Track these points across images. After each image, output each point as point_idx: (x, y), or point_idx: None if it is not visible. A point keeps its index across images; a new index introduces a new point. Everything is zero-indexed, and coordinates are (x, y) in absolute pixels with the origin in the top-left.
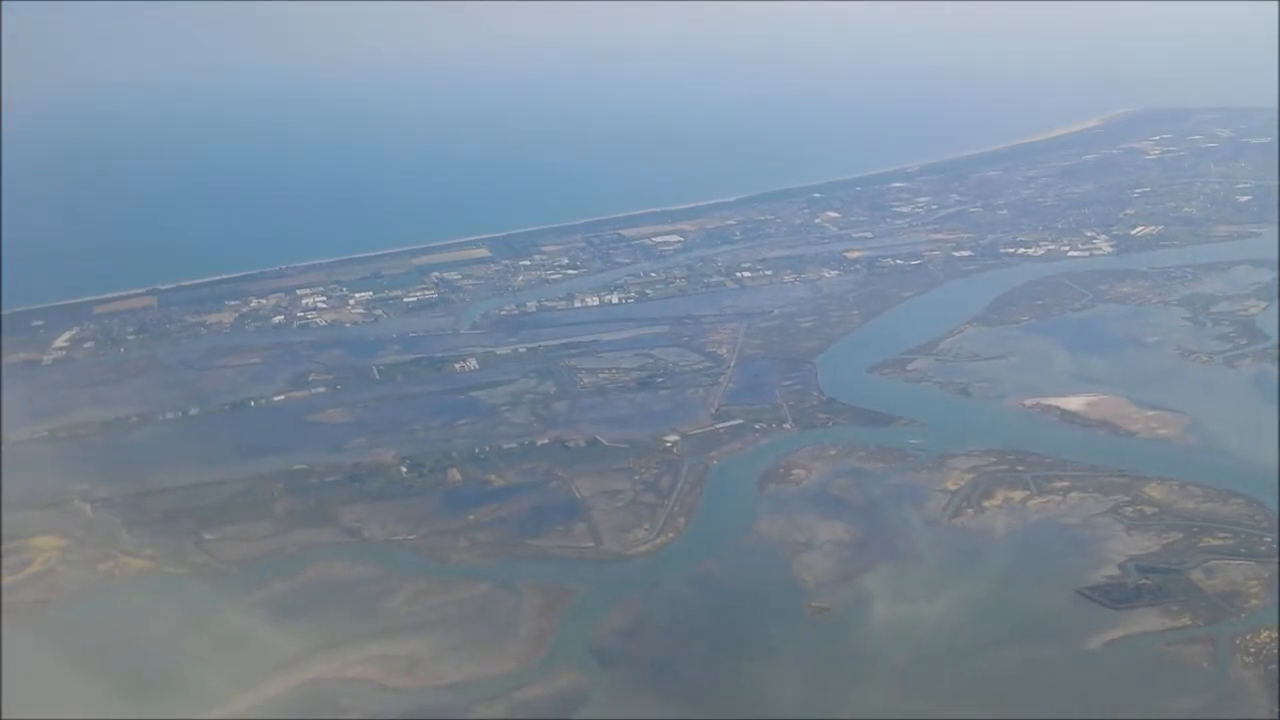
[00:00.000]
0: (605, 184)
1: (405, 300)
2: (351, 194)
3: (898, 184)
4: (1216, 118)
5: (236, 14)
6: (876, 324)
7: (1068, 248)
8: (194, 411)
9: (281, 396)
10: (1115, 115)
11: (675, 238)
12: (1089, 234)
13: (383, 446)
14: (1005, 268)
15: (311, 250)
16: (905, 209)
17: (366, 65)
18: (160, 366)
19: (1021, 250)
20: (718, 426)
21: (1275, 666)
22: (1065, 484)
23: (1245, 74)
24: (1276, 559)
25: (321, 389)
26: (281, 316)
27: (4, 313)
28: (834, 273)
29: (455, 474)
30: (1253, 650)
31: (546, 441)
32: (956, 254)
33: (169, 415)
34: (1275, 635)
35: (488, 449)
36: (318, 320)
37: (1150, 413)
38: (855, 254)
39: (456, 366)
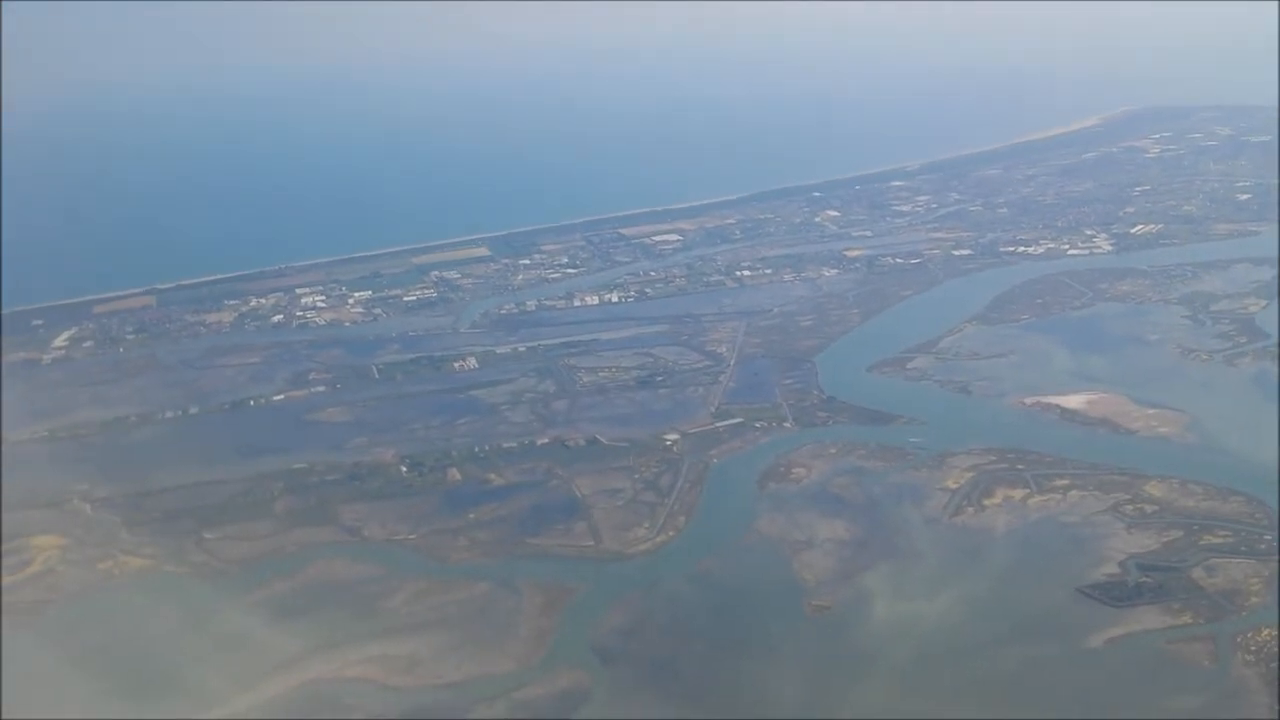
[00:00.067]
0: (604, 183)
1: (405, 299)
2: (351, 193)
3: (897, 183)
4: (1216, 116)
5: (236, 14)
6: (876, 322)
7: (1067, 246)
8: (194, 411)
9: (281, 396)
10: (1114, 114)
11: (675, 237)
12: (1089, 232)
13: (382, 445)
14: (1005, 266)
15: (311, 250)
16: (905, 208)
17: (366, 65)
18: (160, 366)
19: (1021, 249)
20: (718, 425)
21: (1276, 665)
22: (1065, 482)
23: (1244, 73)
24: (1277, 557)
25: (321, 388)
26: (281, 316)
27: (6, 312)
28: (834, 271)
29: (455, 473)
30: (1253, 648)
31: (546, 440)
32: (956, 253)
33: (169, 414)
34: (1276, 633)
35: (487, 448)
36: (317, 319)
37: (1150, 411)
38: (855, 253)
39: (456, 365)
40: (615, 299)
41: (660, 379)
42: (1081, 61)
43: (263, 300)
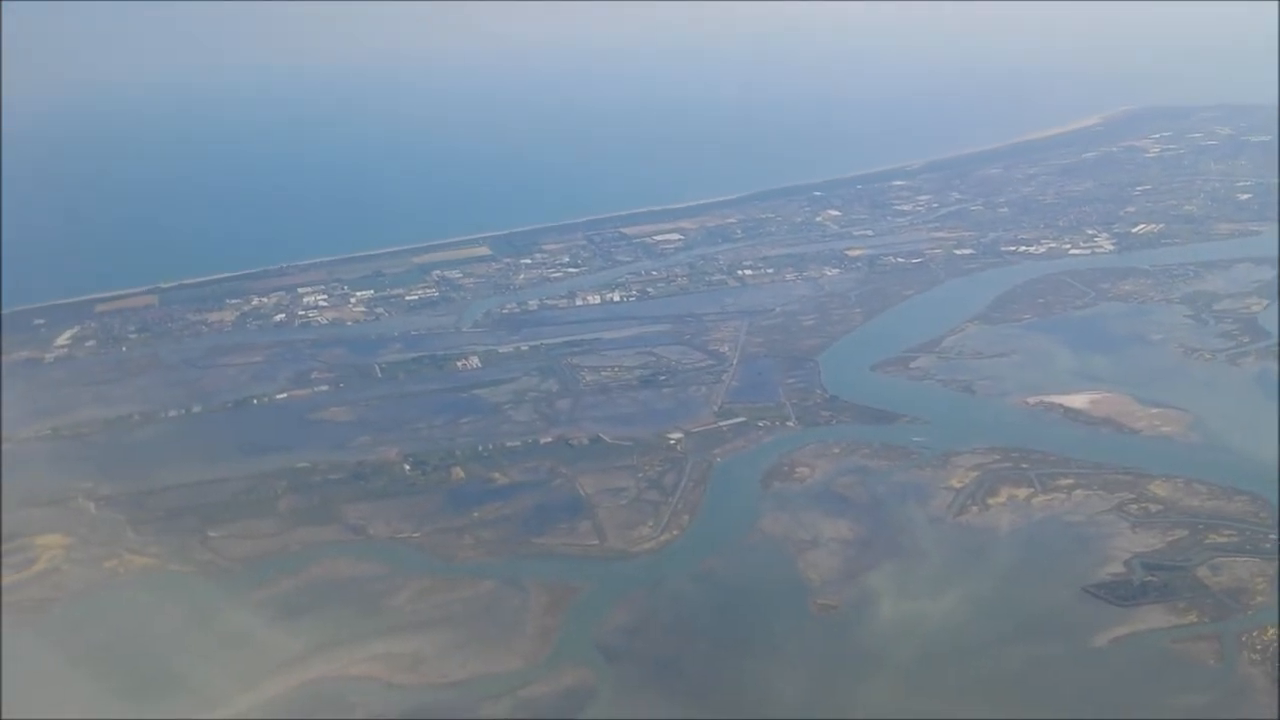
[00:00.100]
0: (605, 183)
1: (407, 298)
2: (352, 193)
3: (898, 182)
4: (1216, 115)
5: (236, 14)
6: (878, 322)
7: (1069, 246)
8: (197, 409)
9: (284, 395)
10: (1114, 113)
11: (676, 236)
12: (1090, 232)
13: (386, 444)
14: (1007, 266)
15: (312, 249)
16: (906, 207)
17: (367, 65)
18: (162, 365)
19: (1023, 248)
20: (721, 424)
21: None
22: (1070, 481)
23: (1245, 72)
24: None
25: (324, 387)
26: (283, 315)
27: (8, 311)
28: (835, 271)
29: (459, 472)
30: (1259, 647)
31: (550, 439)
32: (958, 252)
33: (172, 413)
34: None
35: (491, 447)
36: (319, 318)
37: (1154, 410)
38: (856, 252)
39: (459, 364)
40: (617, 298)
41: (663, 378)
42: (1081, 61)
43: (265, 299)
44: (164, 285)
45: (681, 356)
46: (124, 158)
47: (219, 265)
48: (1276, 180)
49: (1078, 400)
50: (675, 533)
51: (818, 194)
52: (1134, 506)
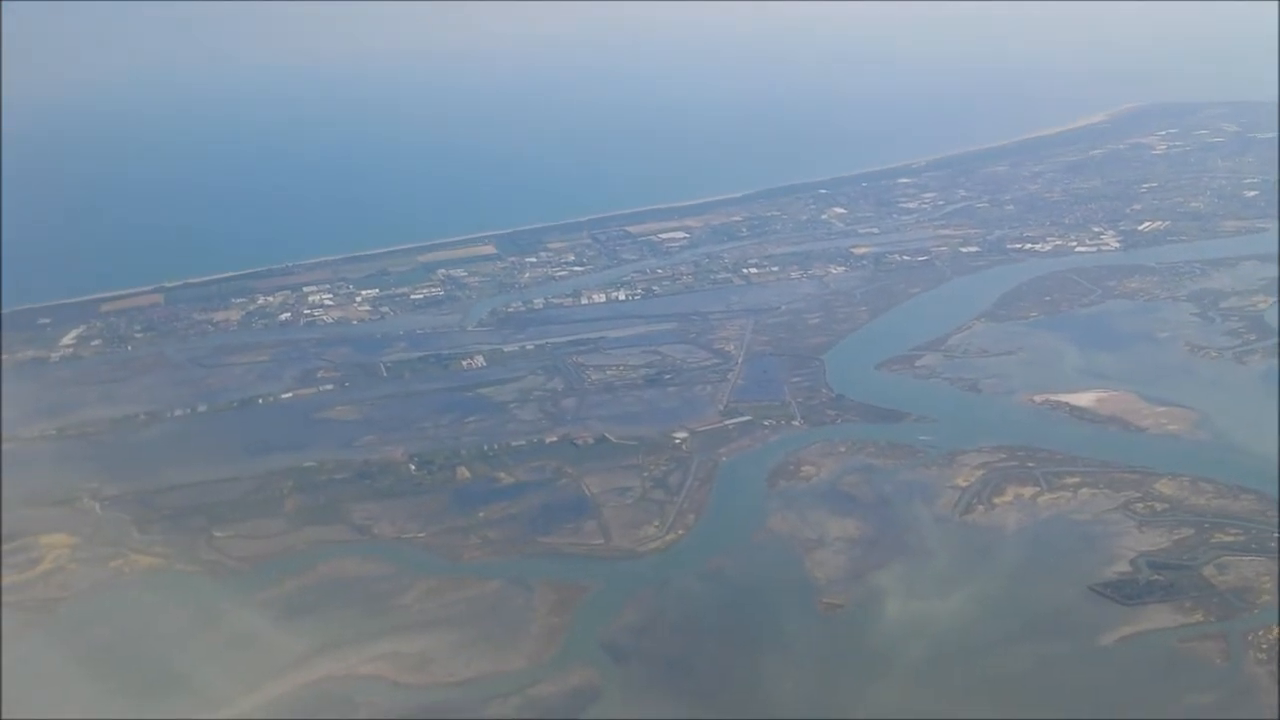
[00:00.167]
0: (610, 181)
1: (412, 297)
2: (356, 192)
3: (904, 180)
4: (1222, 112)
5: (236, 14)
6: (884, 320)
7: (1075, 243)
8: (202, 409)
9: (289, 394)
10: (1119, 110)
11: (681, 234)
12: (1096, 229)
13: (392, 444)
14: (1012, 263)
15: (317, 248)
16: (912, 205)
17: (367, 64)
18: (168, 364)
19: (1029, 246)
20: (726, 423)
21: None
22: (1076, 480)
23: (1251, 69)
24: None
25: (329, 386)
26: (288, 314)
27: (12, 310)
28: (841, 269)
29: (464, 471)
30: (1265, 646)
31: (555, 439)
32: (964, 250)
33: (177, 413)
34: None
35: (496, 446)
36: (325, 317)
37: (1160, 408)
38: (862, 250)
39: (464, 364)
40: (622, 297)
41: (668, 377)
42: (1083, 59)
43: (270, 298)
44: (169, 284)
45: (686, 355)
46: (126, 157)
47: (224, 264)
48: (1277, 178)
49: (1084, 398)
50: (681, 532)
51: (823, 192)
52: (1140, 505)
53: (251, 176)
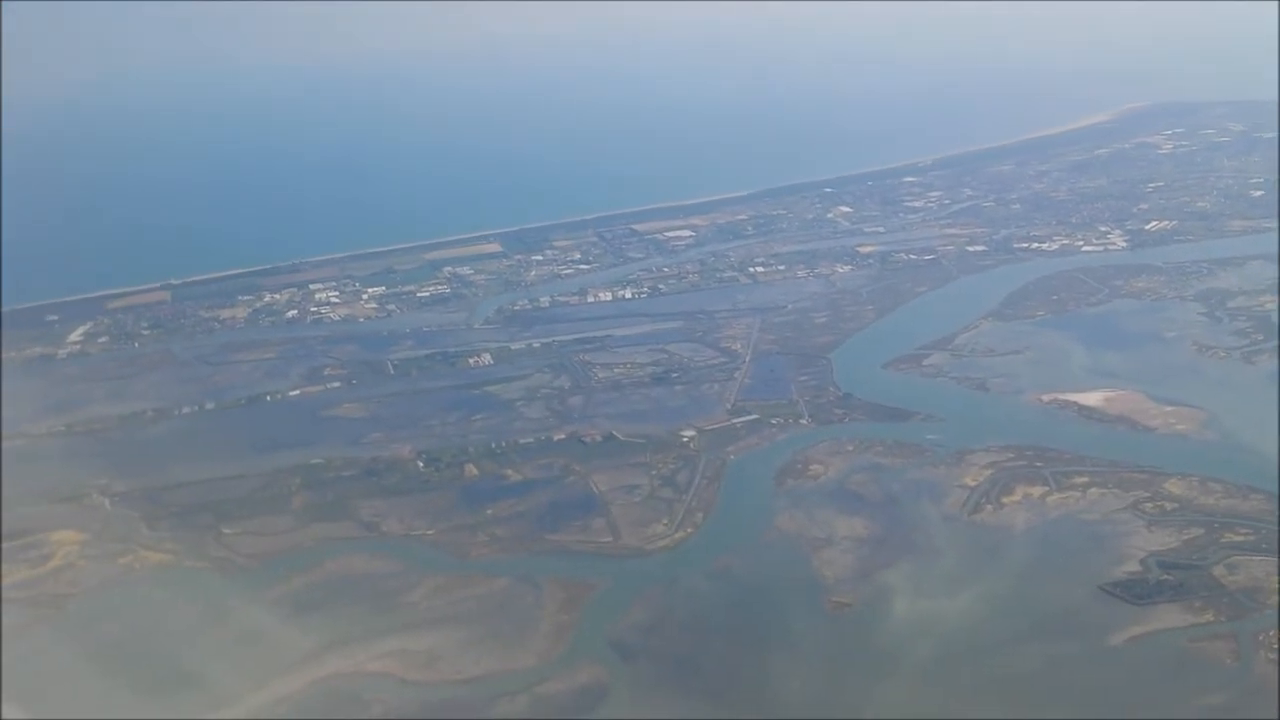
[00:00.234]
0: (615, 179)
1: (418, 295)
2: (361, 190)
3: (910, 179)
4: (1228, 112)
5: (236, 14)
6: (891, 319)
7: (1082, 242)
8: (210, 406)
9: (296, 391)
10: (1124, 110)
11: (687, 232)
12: (1103, 229)
13: (399, 441)
14: (1019, 263)
15: (323, 246)
16: (918, 204)
17: (369, 64)
18: (175, 361)
19: (1035, 245)
20: (734, 422)
21: None
22: (1084, 480)
23: (1252, 69)
24: None
25: (336, 384)
26: (295, 311)
27: (18, 308)
28: (847, 268)
29: (472, 469)
30: (1275, 646)
31: (562, 436)
32: (970, 249)
33: (185, 410)
34: None
35: (504, 444)
36: (331, 315)
37: (1168, 408)
38: (868, 249)
39: (471, 361)
40: (629, 295)
41: (675, 375)
42: (1085, 58)
43: (277, 296)
44: (176, 282)
45: (693, 353)
46: (128, 156)
47: (230, 262)
48: (1277, 178)
49: (1092, 398)
50: (689, 530)
51: (829, 190)
52: (1149, 505)
53: (255, 175)
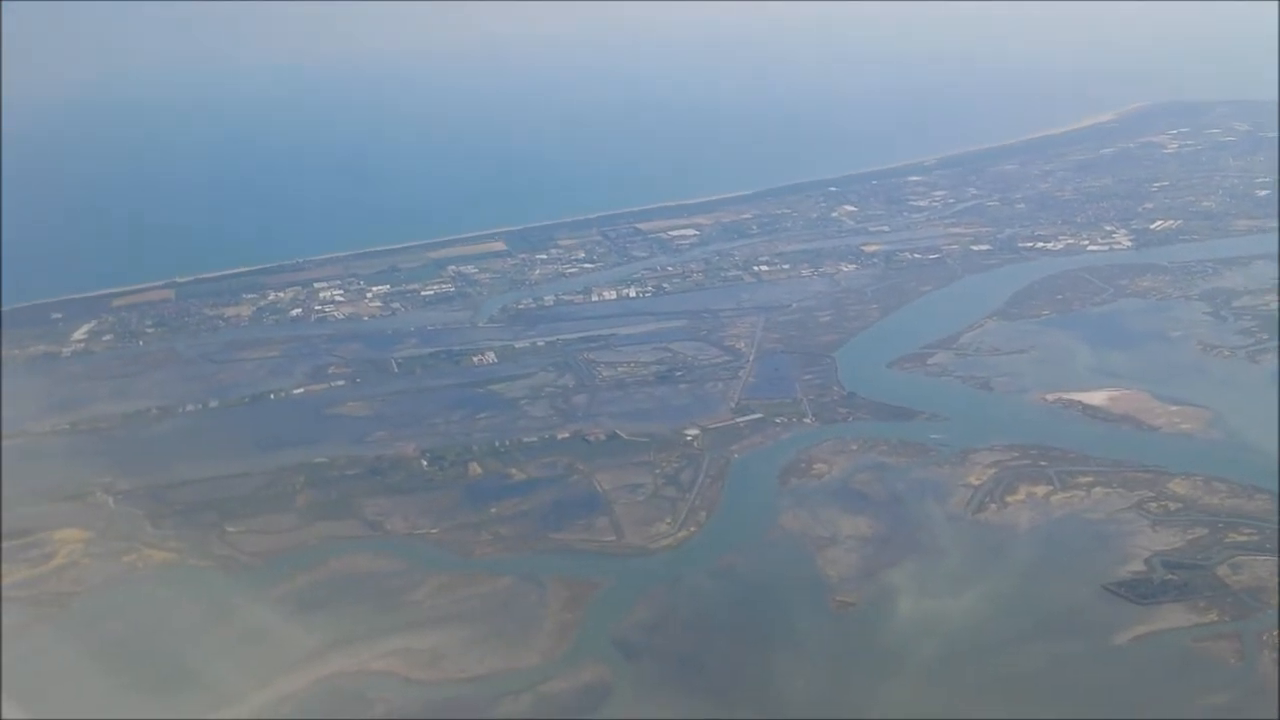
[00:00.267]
0: (618, 178)
1: (422, 294)
2: (365, 189)
3: (914, 178)
4: (1233, 111)
5: (237, 14)
6: (895, 318)
7: (1087, 242)
8: (214, 404)
9: (301, 389)
10: (1128, 109)
11: (691, 231)
12: (1108, 228)
13: (403, 440)
14: (1024, 262)
15: (327, 244)
16: (922, 203)
17: (369, 64)
18: (179, 359)
19: (1040, 244)
20: (738, 420)
21: None
22: (1089, 479)
23: (1253, 69)
24: None
25: (341, 382)
26: (299, 310)
27: (22, 306)
28: (852, 267)
29: (476, 467)
30: (1279, 646)
31: (566, 435)
32: (975, 248)
33: (189, 408)
34: None
35: (508, 442)
36: (335, 313)
37: (1173, 408)
38: (873, 248)
39: (475, 360)
40: (633, 294)
41: (679, 374)
42: (1086, 58)
43: (281, 294)
44: (180, 280)
45: (698, 352)
46: (130, 155)
47: (234, 260)
48: (1277, 178)
49: (1096, 397)
50: (693, 529)
51: (833, 189)
52: (1154, 504)
53: (258, 174)
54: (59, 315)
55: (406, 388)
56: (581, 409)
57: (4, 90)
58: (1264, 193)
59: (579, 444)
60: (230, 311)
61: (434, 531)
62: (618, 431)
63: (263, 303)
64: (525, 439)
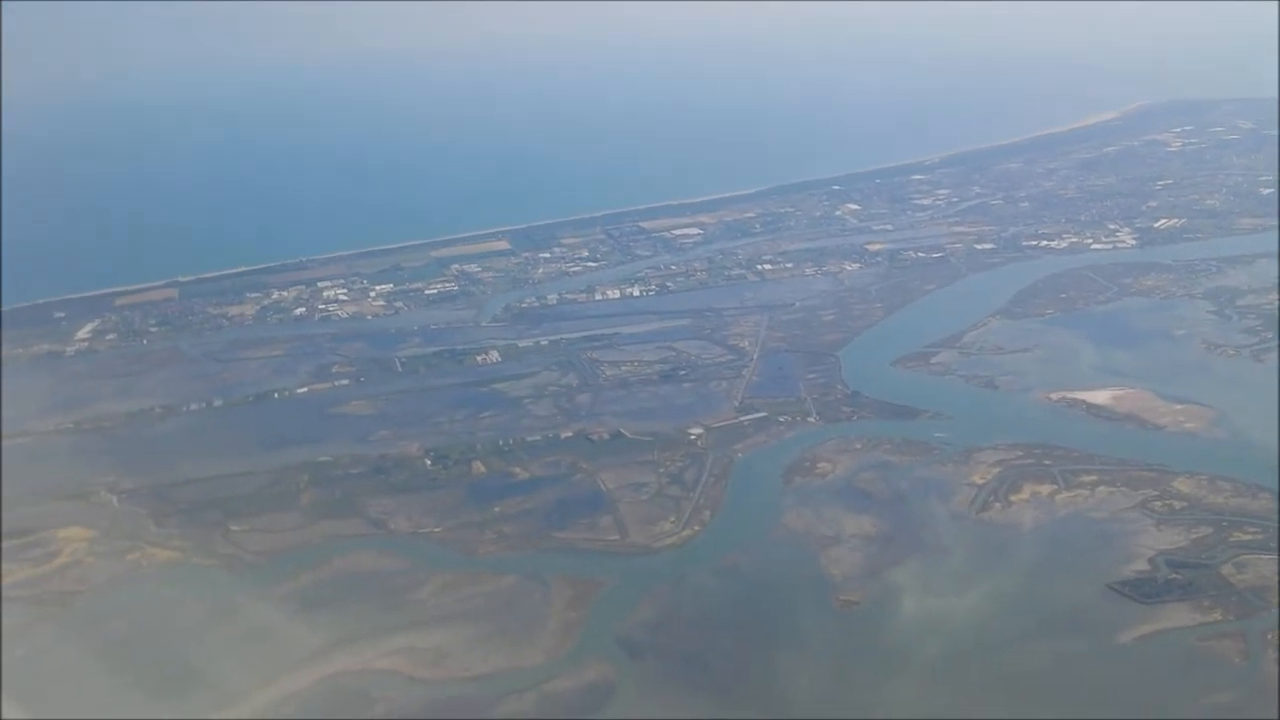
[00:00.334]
0: (621, 177)
1: (426, 293)
2: (367, 188)
3: (917, 176)
4: (1236, 109)
5: (237, 14)
6: (899, 317)
7: (1090, 240)
8: (218, 403)
9: (304, 389)
10: (1131, 108)
11: (694, 230)
12: (1112, 226)
13: (407, 439)
14: (1028, 260)
15: (330, 243)
16: (926, 201)
17: (370, 63)
18: (183, 358)
19: (1044, 243)
20: (741, 419)
21: None
22: (1093, 478)
23: (1253, 69)
24: None
25: (344, 381)
26: (303, 309)
27: (25, 305)
28: (855, 265)
29: (480, 466)
30: None
31: (570, 434)
32: (978, 246)
33: (193, 407)
34: None
35: (512, 441)
36: (339, 312)
37: (1177, 406)
38: (876, 246)
39: (478, 359)
40: (636, 293)
41: (683, 373)
42: (1087, 57)
43: (284, 293)
44: (183, 279)
45: (701, 351)
46: (132, 155)
47: (237, 259)
48: (1277, 178)
49: (1100, 396)
50: (697, 528)
51: (836, 188)
52: (1158, 503)
53: (260, 174)
54: (62, 314)
55: (410, 387)
56: (585, 408)
57: (4, 90)
58: (1268, 191)
59: (583, 443)
60: (234, 310)
61: (438, 530)
62: (621, 430)
63: (266, 302)
64: (529, 438)
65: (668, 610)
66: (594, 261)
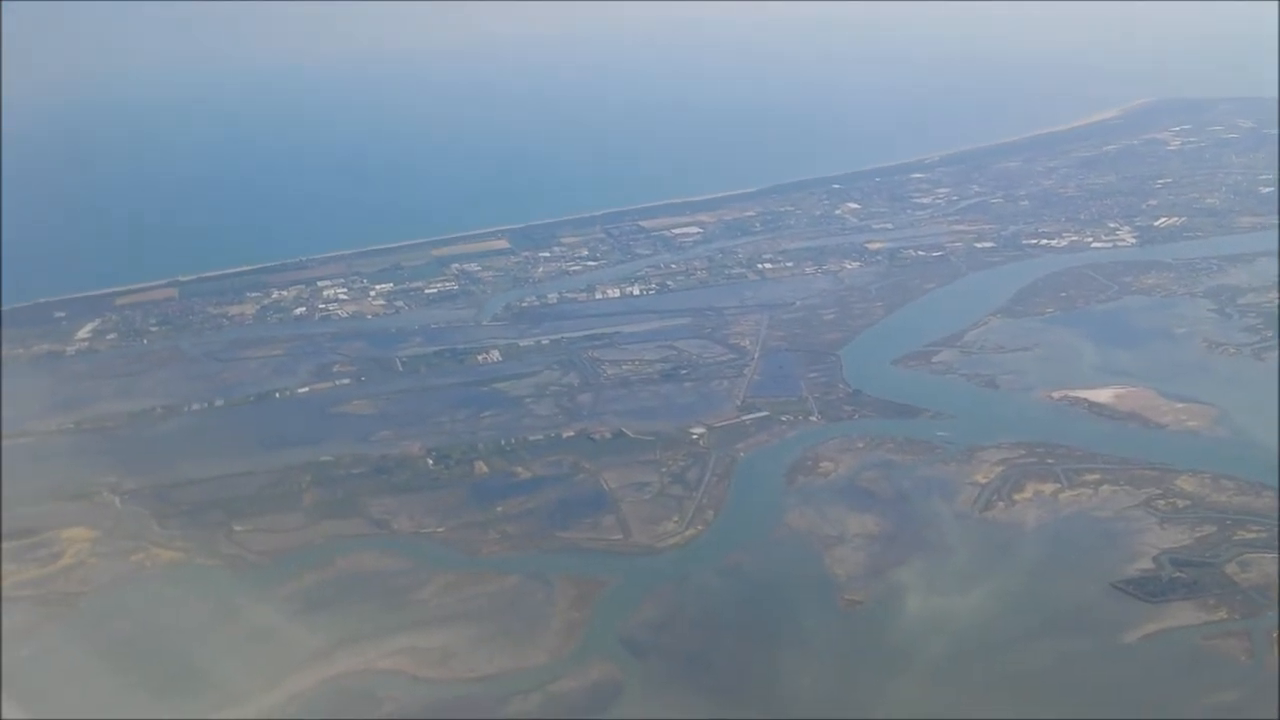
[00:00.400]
0: (621, 176)
1: (426, 292)
2: (367, 187)
3: (917, 175)
4: (1236, 108)
5: (237, 14)
6: (900, 316)
7: (1091, 239)
8: (219, 403)
9: (306, 388)
10: (1132, 106)
11: (695, 229)
12: (1112, 225)
13: (409, 438)
14: (1028, 259)
15: (330, 242)
16: (926, 200)
17: (370, 63)
18: (183, 358)
19: (1044, 241)
20: (744, 418)
21: None
22: (1096, 477)
23: (1254, 69)
24: None
25: (345, 381)
26: (303, 308)
27: (26, 305)
28: (856, 264)
29: (482, 466)
30: None
31: (572, 433)
32: (979, 245)
33: (194, 407)
34: None
35: (513, 441)
36: (339, 312)
37: (1179, 405)
38: (876, 245)
39: (479, 358)
40: (637, 291)
41: (684, 372)
42: (1087, 56)
43: (284, 293)
44: (183, 279)
45: (702, 350)
46: (132, 155)
47: (237, 259)
48: (1277, 177)
49: (1102, 395)
50: (700, 527)
51: (836, 187)
52: (1161, 502)
53: (260, 173)
54: (62, 314)
55: (411, 386)
56: (587, 407)
57: (4, 90)
58: (1267, 189)
59: (585, 442)
60: (234, 310)
61: (440, 530)
62: (623, 430)
63: (266, 301)
64: (531, 437)
65: (671, 610)
66: (594, 260)
